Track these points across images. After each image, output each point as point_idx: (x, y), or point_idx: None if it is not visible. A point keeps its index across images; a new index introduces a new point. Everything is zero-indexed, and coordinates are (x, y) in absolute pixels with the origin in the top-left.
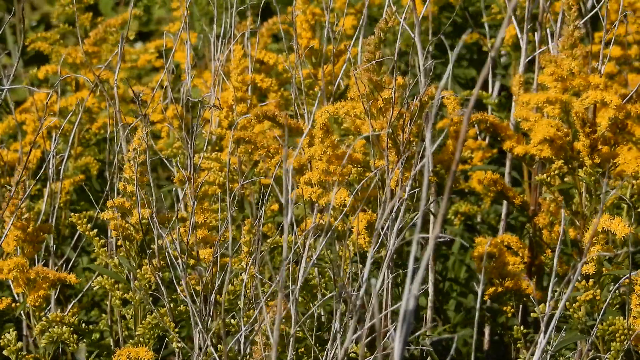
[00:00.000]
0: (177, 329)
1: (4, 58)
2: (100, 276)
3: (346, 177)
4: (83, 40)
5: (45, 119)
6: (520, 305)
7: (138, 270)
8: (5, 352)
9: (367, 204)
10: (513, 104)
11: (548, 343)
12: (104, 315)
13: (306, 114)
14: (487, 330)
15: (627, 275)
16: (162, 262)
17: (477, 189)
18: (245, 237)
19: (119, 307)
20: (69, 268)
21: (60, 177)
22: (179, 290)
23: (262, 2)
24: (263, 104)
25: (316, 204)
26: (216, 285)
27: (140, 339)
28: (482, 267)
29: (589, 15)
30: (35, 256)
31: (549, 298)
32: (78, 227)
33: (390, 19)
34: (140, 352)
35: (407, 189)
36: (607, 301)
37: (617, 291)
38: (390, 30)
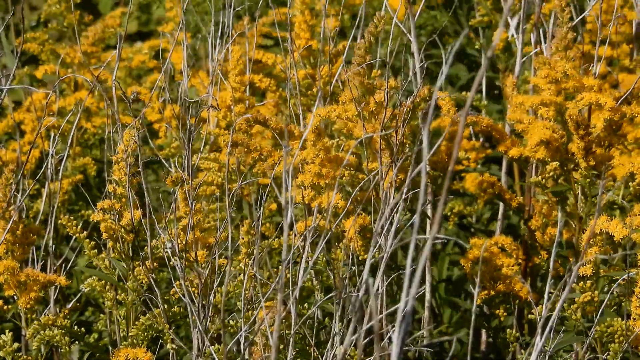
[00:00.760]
0: (171, 330)
1: (3, 58)
2: (91, 277)
3: (338, 180)
4: (77, 39)
5: (45, 118)
6: (516, 307)
7: (130, 272)
8: (1, 353)
9: (360, 205)
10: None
11: (545, 345)
12: (102, 315)
13: (302, 114)
14: (484, 332)
15: (624, 277)
16: (155, 264)
17: (470, 190)
18: (244, 238)
19: (110, 308)
20: (67, 268)
21: (60, 177)
22: (177, 290)
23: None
24: (260, 103)
25: (315, 206)
26: (214, 286)
27: (134, 340)
28: (478, 270)
29: (581, 16)
30: (35, 255)
31: (545, 300)
32: (68, 230)
33: (379, 23)
34: (139, 353)
35: (405, 190)
36: (608, 303)
37: (614, 292)
38: (380, 33)
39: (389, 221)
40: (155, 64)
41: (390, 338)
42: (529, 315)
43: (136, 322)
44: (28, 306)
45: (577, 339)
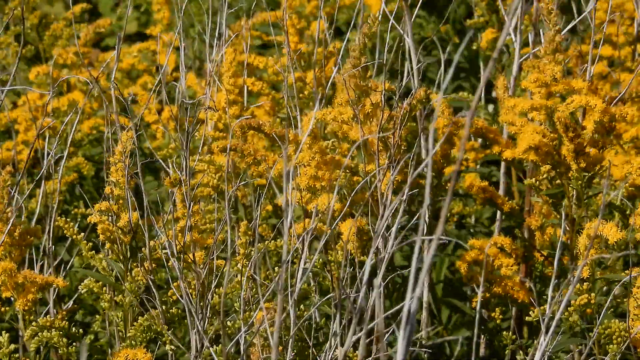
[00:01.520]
0: (169, 332)
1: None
2: (88, 279)
3: (335, 182)
4: (76, 40)
5: (39, 119)
6: (514, 309)
7: (128, 273)
8: None
9: (356, 208)
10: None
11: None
12: (97, 316)
13: (298, 116)
14: (482, 335)
15: (625, 279)
16: (153, 265)
17: (469, 190)
18: (241, 239)
19: (108, 309)
20: (66, 270)
21: (59, 177)
22: (175, 292)
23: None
24: (254, 105)
25: (312, 208)
26: (212, 287)
27: (132, 341)
28: (473, 272)
29: (580, 18)
30: (34, 257)
31: (549, 302)
32: (65, 231)
33: (373, 24)
34: (139, 353)
35: (406, 191)
36: (607, 304)
37: (611, 294)
38: (383, 32)
39: (386, 223)
40: (145, 67)
41: (390, 339)
42: (526, 318)
43: (134, 323)
44: (26, 308)
45: (575, 341)
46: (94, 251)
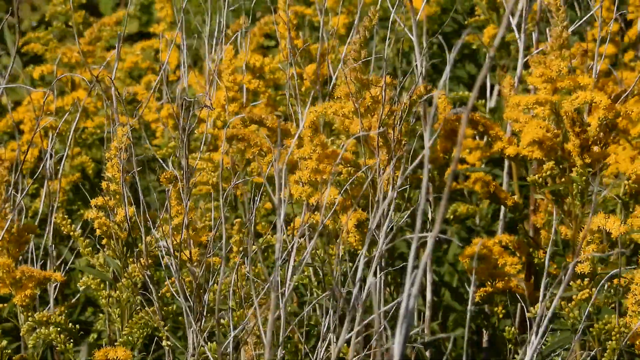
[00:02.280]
0: (166, 328)
1: (4, 59)
2: (86, 276)
3: (336, 176)
4: (77, 39)
5: (42, 118)
6: (519, 305)
7: (125, 269)
8: None
9: (358, 203)
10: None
11: (540, 343)
12: (101, 315)
13: (300, 114)
14: (485, 331)
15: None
16: (150, 261)
17: (475, 189)
18: (235, 237)
19: (106, 306)
20: (67, 268)
21: (59, 176)
22: (171, 289)
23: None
24: (254, 103)
25: (308, 203)
26: (209, 284)
27: (129, 338)
28: (476, 267)
29: (586, 17)
30: (34, 255)
31: (540, 298)
32: (62, 228)
33: (374, 17)
34: (119, 351)
35: (398, 185)
36: (607, 300)
37: (612, 290)
38: (387, 27)
39: (380, 216)
40: (148, 65)
41: (388, 336)
42: (527, 314)
43: (129, 320)
44: (24, 303)
45: (574, 338)
46: (91, 249)
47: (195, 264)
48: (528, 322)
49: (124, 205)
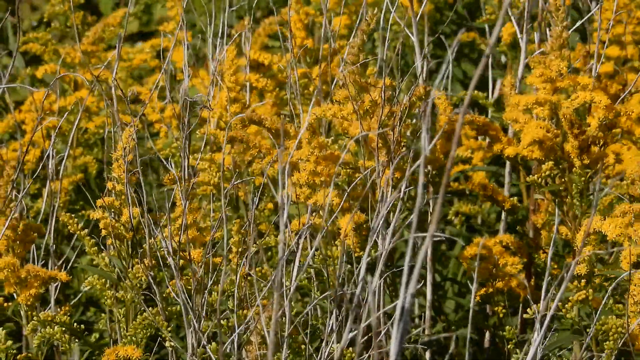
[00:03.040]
0: (170, 329)
1: (4, 58)
2: (91, 276)
3: (335, 178)
4: (77, 39)
5: (43, 118)
6: (520, 306)
7: (129, 270)
8: None
9: (357, 205)
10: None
11: (542, 343)
12: (102, 315)
13: (302, 114)
14: (487, 330)
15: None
16: (153, 261)
17: (476, 190)
18: (234, 238)
19: (111, 306)
20: (68, 268)
21: (60, 176)
22: (171, 290)
23: (255, 2)
24: (258, 104)
25: (309, 205)
26: (208, 285)
27: (133, 338)
28: (475, 267)
29: (587, 17)
30: (35, 255)
31: (542, 298)
32: (69, 227)
33: (372, 21)
34: (129, 350)
35: (402, 188)
36: (604, 300)
37: (609, 291)
38: (386, 29)
39: (383, 219)
40: (157, 64)
41: (388, 336)
42: (524, 315)
43: (134, 321)
44: (28, 303)
45: (573, 338)
46: (96, 248)
47: (200, 264)
48: (521, 322)
49: (128, 206)
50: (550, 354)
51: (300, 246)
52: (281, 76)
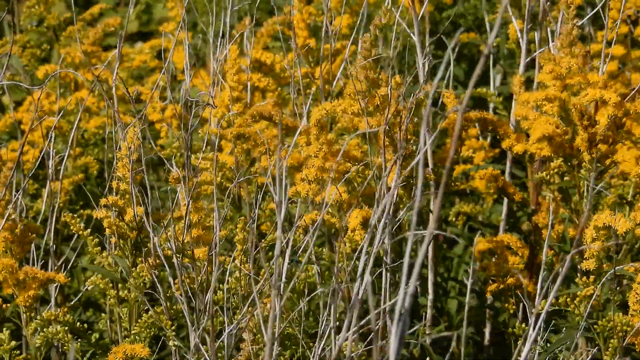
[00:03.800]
0: (173, 328)
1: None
2: (95, 275)
3: (343, 174)
4: (78, 40)
5: (44, 118)
6: (521, 304)
7: (133, 269)
8: None
9: (364, 200)
10: (513, 102)
11: (537, 338)
12: (102, 315)
13: (305, 113)
14: (487, 329)
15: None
16: (157, 261)
17: (479, 188)
18: (239, 236)
19: (115, 306)
20: (68, 268)
21: (60, 177)
22: (174, 289)
23: (257, 2)
24: (260, 103)
25: (311, 201)
26: (212, 284)
27: (136, 337)
28: (482, 264)
29: (590, 15)
30: (34, 255)
31: (538, 292)
32: (71, 227)
33: (385, 17)
34: (137, 348)
35: (396, 183)
36: (612, 297)
37: (618, 288)
38: (388, 28)
39: (386, 215)
40: (157, 64)
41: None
42: (533, 310)
43: (138, 320)
44: (27, 304)
45: (579, 334)
46: (99, 247)
47: (204, 262)
48: (522, 320)
49: (132, 205)
50: (557, 352)
51: (291, 243)
52: (283, 75)
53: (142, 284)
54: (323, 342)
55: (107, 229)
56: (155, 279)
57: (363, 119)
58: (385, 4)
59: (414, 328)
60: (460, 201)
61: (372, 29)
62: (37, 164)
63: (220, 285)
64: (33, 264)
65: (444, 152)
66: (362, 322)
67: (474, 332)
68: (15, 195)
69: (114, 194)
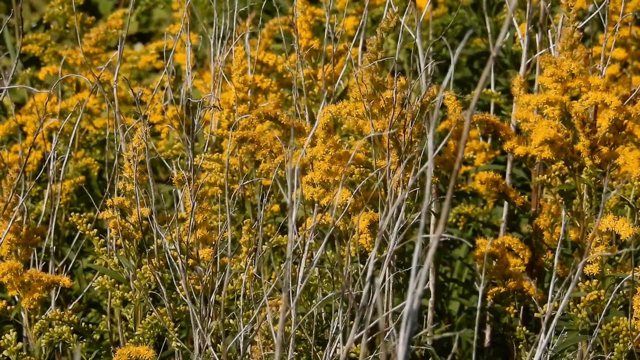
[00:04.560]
0: (176, 329)
1: (3, 59)
2: (101, 276)
3: (348, 177)
4: (77, 41)
5: (45, 119)
6: (522, 307)
7: (138, 270)
8: (5, 353)
9: (369, 203)
10: (514, 105)
11: (549, 343)
12: (103, 316)
13: (307, 114)
14: (487, 332)
15: (629, 276)
16: (161, 262)
17: (480, 190)
18: (244, 237)
19: (119, 307)
20: (69, 269)
21: (61, 178)
22: (178, 290)
23: (264, 3)
24: (264, 104)
25: (317, 204)
26: (216, 285)
27: (140, 338)
28: (484, 267)
29: (590, 17)
30: (36, 257)
31: (549, 298)
32: (78, 227)
33: (391, 19)
34: (141, 350)
35: (409, 187)
36: (610, 301)
37: (620, 292)
38: (392, 30)
39: (393, 218)
40: (163, 65)
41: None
42: (536, 314)
43: (142, 321)
44: (31, 307)
45: (582, 338)
46: (105, 248)
47: (208, 263)
48: (534, 323)
49: (137, 206)
50: (559, 355)
51: (307, 246)
52: (285, 76)
53: (147, 285)
54: (335, 346)
55: (112, 230)
56: (159, 280)
57: (367, 122)
58: (390, 8)
59: (420, 333)
60: (462, 202)
61: (378, 32)
62: (42, 168)
63: (229, 286)
64: (34, 266)
65: (445, 154)
66: (371, 325)
67: (474, 333)
68: (20, 199)
69: (117, 195)
